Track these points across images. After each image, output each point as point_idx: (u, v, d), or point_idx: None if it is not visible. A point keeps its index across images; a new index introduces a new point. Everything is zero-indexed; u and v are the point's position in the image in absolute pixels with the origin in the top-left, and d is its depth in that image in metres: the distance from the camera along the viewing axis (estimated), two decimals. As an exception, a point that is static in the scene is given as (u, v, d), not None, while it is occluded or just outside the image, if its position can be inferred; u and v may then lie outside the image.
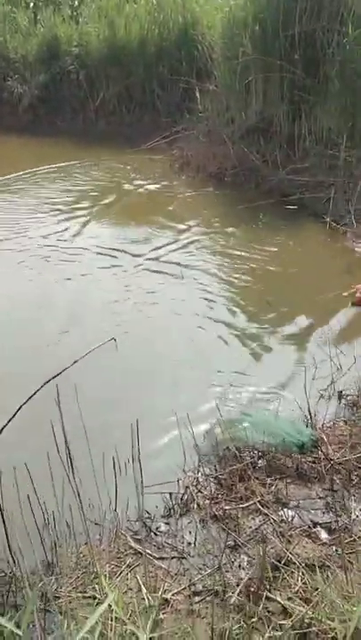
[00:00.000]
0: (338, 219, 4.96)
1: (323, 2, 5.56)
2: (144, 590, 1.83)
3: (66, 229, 5.14)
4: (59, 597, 1.86)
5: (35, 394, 1.81)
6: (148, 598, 1.76)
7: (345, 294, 3.81)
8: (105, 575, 1.90)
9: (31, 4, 9.65)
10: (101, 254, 4.64)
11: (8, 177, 6.56)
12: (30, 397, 1.84)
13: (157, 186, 6.34)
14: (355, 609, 1.51)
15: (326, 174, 5.51)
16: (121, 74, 8.23)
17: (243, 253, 4.69)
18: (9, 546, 1.99)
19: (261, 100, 6.05)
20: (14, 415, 2.01)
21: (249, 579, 1.81)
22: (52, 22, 8.68)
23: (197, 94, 6.99)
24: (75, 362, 1.75)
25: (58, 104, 8.83)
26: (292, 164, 5.76)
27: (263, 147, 6.06)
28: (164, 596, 1.82)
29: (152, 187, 6.30)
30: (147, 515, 2.19)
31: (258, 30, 5.87)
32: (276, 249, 4.74)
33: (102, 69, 8.33)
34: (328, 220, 4.90)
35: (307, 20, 5.63)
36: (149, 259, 4.59)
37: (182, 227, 5.23)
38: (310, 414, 2.62)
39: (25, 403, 1.85)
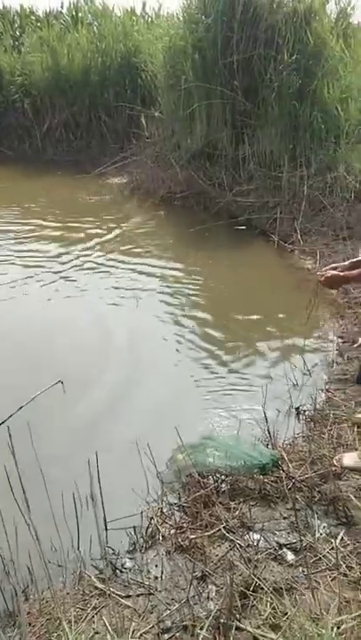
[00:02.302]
0: (285, 237, 5.10)
1: (258, 31, 5.81)
2: (111, 633, 1.77)
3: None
4: (21, 650, 1.76)
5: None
6: (115, 641, 1.69)
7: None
8: (69, 621, 1.82)
9: (-29, 35, 9.58)
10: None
11: None
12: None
13: (108, 211, 6.36)
14: (323, 632, 1.51)
15: (272, 195, 5.69)
16: (66, 102, 8.30)
17: (196, 275, 4.74)
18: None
19: (205, 125, 6.21)
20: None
21: (218, 610, 1.78)
22: (-6, 52, 8.66)
23: (143, 120, 7.10)
24: (20, 407, 1.69)
25: (4, 132, 8.77)
26: (239, 186, 5.92)
27: (210, 170, 6.21)
28: (132, 636, 1.76)
29: (102, 213, 6.31)
30: (111, 551, 2.13)
31: (198, 59, 6.06)
32: (226, 268, 4.83)
33: (47, 98, 8.38)
34: (276, 238, 5.03)
35: (244, 47, 5.86)
36: (103, 281, 4.57)
37: (135, 249, 5.25)
38: (270, 433, 2.63)
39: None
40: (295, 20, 5.75)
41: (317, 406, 2.91)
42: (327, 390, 3.07)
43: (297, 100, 5.72)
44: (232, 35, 5.84)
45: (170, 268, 4.91)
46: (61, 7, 9.69)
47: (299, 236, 5.02)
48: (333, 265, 2.61)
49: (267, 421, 2.66)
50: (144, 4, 9.36)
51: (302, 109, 5.70)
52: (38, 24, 9.37)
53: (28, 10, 9.83)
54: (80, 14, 9.33)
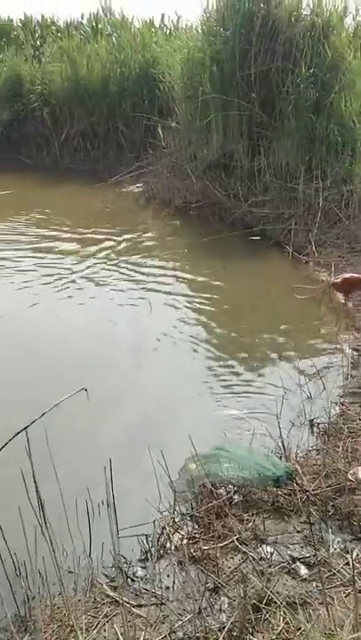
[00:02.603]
0: (300, 249, 5.10)
1: (276, 44, 5.86)
2: (123, 642, 1.76)
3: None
4: (33, 656, 1.76)
5: (4, 447, 1.76)
6: (127, 651, 1.69)
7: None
8: (81, 628, 1.82)
9: (-7, 44, 9.78)
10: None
11: None
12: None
13: (124, 219, 6.41)
14: (338, 648, 1.49)
15: (287, 206, 5.70)
16: (85, 111, 8.40)
17: (209, 284, 4.76)
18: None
19: (222, 136, 6.25)
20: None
21: (231, 623, 1.77)
22: (15, 62, 8.81)
23: (160, 131, 7.16)
24: (43, 414, 1.71)
25: (23, 141, 8.90)
26: (254, 197, 5.94)
27: (225, 181, 6.24)
28: (143, 646, 1.75)
29: (118, 221, 6.35)
30: (123, 559, 2.13)
31: (216, 71, 6.11)
32: (241, 279, 4.84)
33: (66, 107, 8.48)
34: (290, 250, 5.04)
35: (262, 60, 5.91)
36: (117, 290, 4.60)
37: (149, 258, 5.28)
38: (283, 446, 2.62)
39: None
40: (313, 34, 5.80)
41: (331, 419, 2.90)
42: (341, 404, 3.05)
43: (314, 113, 5.75)
44: (250, 47, 5.89)
45: (184, 278, 4.93)
46: (82, 18, 9.88)
47: (313, 248, 5.01)
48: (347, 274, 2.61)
49: (280, 433, 2.65)
50: (163, 16, 9.50)
51: (319, 122, 5.72)
52: (59, 34, 9.53)
53: (49, 20, 10.02)
54: (100, 25, 9.48)
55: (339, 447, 2.63)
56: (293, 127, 5.83)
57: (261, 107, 6.01)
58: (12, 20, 10.08)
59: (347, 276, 2.85)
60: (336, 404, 3.06)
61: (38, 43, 9.72)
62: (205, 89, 6.18)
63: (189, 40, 6.84)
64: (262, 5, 5.85)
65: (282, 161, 5.93)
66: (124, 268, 5.09)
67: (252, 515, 2.26)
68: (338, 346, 3.73)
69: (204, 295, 4.56)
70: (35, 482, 1.85)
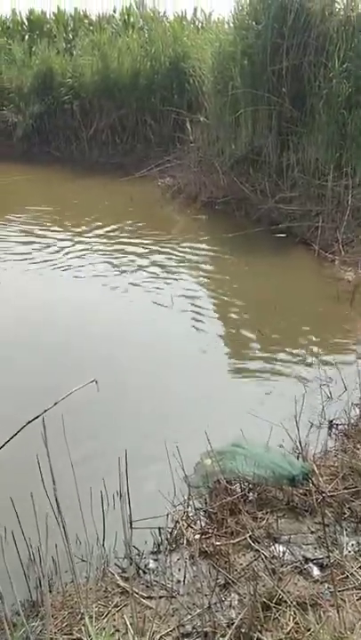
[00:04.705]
0: (326, 247, 5.02)
1: (309, 38, 5.76)
2: (131, 632, 1.77)
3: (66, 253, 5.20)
4: (43, 640, 1.79)
5: (18, 432, 1.78)
6: (135, 641, 1.69)
7: None
8: (91, 616, 1.84)
9: (26, 37, 9.90)
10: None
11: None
12: (13, 437, 1.81)
13: (150, 213, 6.42)
14: (347, 652, 1.47)
15: (314, 203, 5.61)
16: (114, 105, 8.42)
17: (233, 281, 4.73)
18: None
19: (251, 131, 6.19)
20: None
21: (240, 620, 1.76)
22: (47, 54, 8.89)
23: (188, 125, 7.14)
24: (55, 403, 1.72)
25: (52, 134, 8.98)
26: (281, 193, 5.86)
27: (253, 176, 6.18)
28: (152, 638, 1.76)
29: (144, 214, 6.37)
30: (135, 551, 2.14)
31: (247, 65, 6.05)
32: (265, 276, 4.79)
33: (96, 100, 8.52)
34: (316, 248, 4.96)
35: (294, 54, 5.82)
36: (136, 284, 4.61)
37: (174, 252, 5.28)
38: (301, 445, 2.59)
39: (7, 442, 1.82)
40: (347, 28, 5.67)
41: (352, 421, 2.85)
42: (363, 405, 3.00)
43: (345, 109, 5.64)
44: (282, 41, 5.81)
45: (207, 272, 4.92)
46: (114, 11, 9.89)
47: (340, 246, 4.92)
48: None
49: (298, 432, 2.62)
50: (195, 10, 9.44)
51: (351, 118, 5.61)
52: (91, 27, 9.57)
53: (81, 13, 10.07)
54: (132, 19, 9.48)
55: (358, 449, 2.58)
56: (324, 123, 5.73)
57: (292, 102, 5.93)
58: (45, 13, 10.17)
59: None
60: (357, 405, 3.01)
61: (70, 36, 9.79)
62: (235, 83, 6.13)
63: (221, 33, 6.78)
64: (296, -1, 5.76)
65: (311, 157, 5.84)
66: (146, 261, 5.10)
67: (266, 513, 2.25)
68: (361, 346, 3.66)
69: (226, 291, 4.53)
70: (50, 469, 1.87)
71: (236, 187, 6.15)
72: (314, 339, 3.80)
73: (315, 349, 3.65)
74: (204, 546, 2.10)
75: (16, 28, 10.03)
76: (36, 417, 1.64)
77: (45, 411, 1.62)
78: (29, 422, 1.63)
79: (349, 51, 5.63)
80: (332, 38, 5.69)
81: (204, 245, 5.52)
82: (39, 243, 5.55)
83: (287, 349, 3.68)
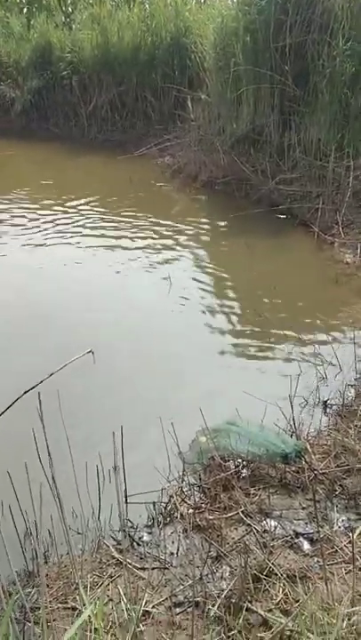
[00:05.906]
0: (326, 229, 5.00)
1: (313, 15, 5.64)
2: (125, 601, 1.82)
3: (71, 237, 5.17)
4: (38, 608, 1.83)
5: (13, 404, 1.80)
6: (128, 610, 1.74)
7: None
8: (86, 586, 1.89)
9: (24, 10, 9.68)
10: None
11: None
12: (8, 408, 1.83)
13: (149, 192, 6.37)
14: (334, 622, 1.51)
15: (315, 184, 5.56)
16: (114, 80, 8.28)
17: (232, 261, 4.72)
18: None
19: (252, 110, 6.11)
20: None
21: (230, 590, 1.81)
22: (46, 28, 8.70)
23: (189, 103, 7.03)
24: (51, 374, 1.73)
25: (50, 109, 8.85)
26: (282, 174, 5.81)
27: (253, 156, 6.11)
28: (144, 607, 1.81)
29: (143, 194, 6.32)
30: (130, 524, 2.18)
31: (249, 41, 5.93)
32: (265, 257, 4.78)
33: (95, 76, 8.37)
34: (316, 229, 4.94)
35: (297, 32, 5.70)
36: (133, 260, 4.61)
37: (173, 232, 5.25)
38: (295, 424, 2.62)
39: (3, 412, 1.84)
40: (352, 5, 5.55)
41: (345, 401, 2.88)
42: (357, 386, 3.03)
43: (349, 88, 5.54)
44: (286, 18, 5.68)
45: (206, 252, 4.90)
46: (114, -16, 9.64)
47: (340, 229, 4.90)
48: None
49: (293, 411, 2.65)
50: (198, -16, 9.19)
51: (354, 97, 5.53)
52: (90, 1, 9.35)
53: (81, -14, 9.82)
54: (133, -8, 9.25)
55: (351, 429, 2.62)
56: (327, 102, 5.64)
57: (295, 80, 5.82)
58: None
59: None
60: (351, 386, 3.04)
61: (69, 9, 9.57)
62: (238, 60, 6.02)
63: (223, 9, 6.63)
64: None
65: (313, 137, 5.76)
66: (144, 240, 5.08)
67: (259, 489, 2.29)
68: (358, 329, 3.67)
69: (225, 270, 4.53)
70: (46, 442, 1.89)
71: (237, 167, 6.09)
72: (311, 320, 3.81)
73: (312, 330, 3.67)
74: (198, 520, 2.14)
75: (14, 1, 9.82)
76: (32, 387, 1.65)
77: (42, 381, 1.63)
78: (26, 392, 1.64)
79: (354, 29, 5.51)
80: (337, 16, 5.55)
81: (203, 226, 5.49)
82: (32, 218, 5.53)
83: (284, 330, 3.69)
